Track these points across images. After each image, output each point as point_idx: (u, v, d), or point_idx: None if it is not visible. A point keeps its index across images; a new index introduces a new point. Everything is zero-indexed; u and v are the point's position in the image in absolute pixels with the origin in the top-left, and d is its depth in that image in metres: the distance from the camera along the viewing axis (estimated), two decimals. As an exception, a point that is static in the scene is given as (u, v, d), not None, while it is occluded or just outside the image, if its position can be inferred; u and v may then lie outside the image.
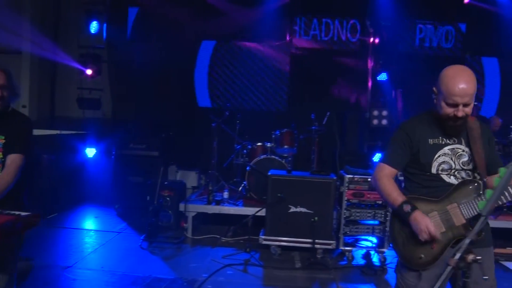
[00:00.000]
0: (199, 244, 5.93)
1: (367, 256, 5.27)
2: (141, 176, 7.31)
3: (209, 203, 6.23)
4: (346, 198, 5.38)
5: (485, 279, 2.18)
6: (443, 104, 2.36)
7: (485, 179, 2.34)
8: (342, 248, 5.44)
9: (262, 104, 8.74)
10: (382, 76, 8.13)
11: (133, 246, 5.68)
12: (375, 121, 7.56)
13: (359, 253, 5.56)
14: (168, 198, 6.35)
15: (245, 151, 6.85)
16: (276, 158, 6.33)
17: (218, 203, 6.24)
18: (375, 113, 7.66)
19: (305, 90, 8.47)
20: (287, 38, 8.69)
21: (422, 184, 2.49)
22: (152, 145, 7.51)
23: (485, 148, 2.42)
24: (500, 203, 2.24)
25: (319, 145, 6.90)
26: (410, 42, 8.77)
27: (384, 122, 7.59)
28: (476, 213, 2.26)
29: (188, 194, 7.05)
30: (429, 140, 2.46)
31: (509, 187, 2.20)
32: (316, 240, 5.26)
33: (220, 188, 6.73)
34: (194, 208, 6.22)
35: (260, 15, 8.40)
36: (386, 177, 2.54)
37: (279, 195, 5.36)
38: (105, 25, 8.45)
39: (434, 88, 2.46)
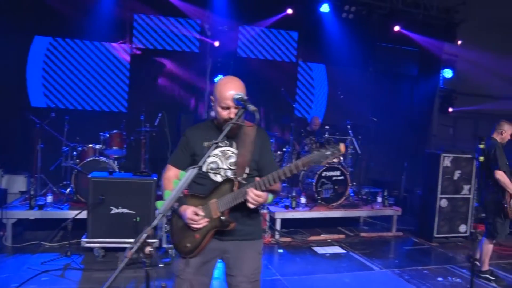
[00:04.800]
0: (19, 252, 5.62)
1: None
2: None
3: (30, 208, 5.94)
4: (168, 197, 5.54)
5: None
6: (219, 109, 2.67)
7: (240, 178, 2.63)
8: (166, 246, 5.62)
9: (103, 105, 8.55)
10: (219, 78, 8.48)
11: None
12: (212, 122, 7.89)
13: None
14: (-16, 206, 5.91)
15: (75, 153, 6.66)
16: (103, 159, 6.28)
17: (40, 207, 5.98)
18: (212, 114, 7.97)
19: (145, 91, 8.47)
20: (128, 38, 8.61)
21: (196, 181, 2.73)
22: (-29, 148, 6.92)
23: (255, 153, 2.73)
24: (231, 204, 2.58)
25: (152, 145, 7.00)
26: (247, 46, 9.31)
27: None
28: (228, 207, 2.58)
29: (14, 199, 6.63)
30: (204, 142, 2.70)
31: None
32: (139, 240, 5.32)
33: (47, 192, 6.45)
34: (14, 215, 5.87)
35: (100, 13, 8.18)
36: (168, 178, 2.80)
37: (101, 196, 5.33)
38: None
39: (211, 97, 2.77)
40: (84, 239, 5.43)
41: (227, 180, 2.66)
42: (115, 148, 6.49)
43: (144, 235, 1.91)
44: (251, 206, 2.50)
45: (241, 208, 2.59)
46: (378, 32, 9.81)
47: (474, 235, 7.15)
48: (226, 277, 2.79)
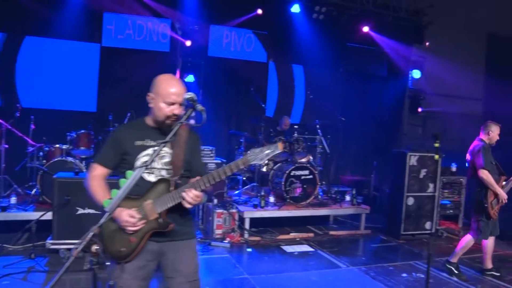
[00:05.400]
0: (-22, 256, 5.49)
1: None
2: None
3: (-8, 210, 5.81)
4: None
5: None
6: (162, 105, 2.60)
7: (176, 177, 2.61)
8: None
9: (71, 104, 8.39)
10: (190, 78, 8.48)
11: None
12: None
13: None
14: None
15: (41, 153, 6.55)
16: (70, 159, 6.19)
17: (4, 209, 5.85)
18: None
19: (114, 90, 8.32)
20: (97, 36, 8.50)
21: None
22: None
23: (187, 154, 2.72)
24: (169, 205, 2.55)
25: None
26: (218, 46, 9.30)
27: (192, 121, 7.94)
28: (166, 207, 2.54)
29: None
30: (136, 141, 2.69)
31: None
32: (105, 240, 5.27)
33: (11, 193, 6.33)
34: (-24, 217, 5.74)
35: (69, 10, 8.02)
36: (95, 177, 2.71)
37: (66, 197, 5.26)
38: None
39: (150, 94, 2.68)
40: (49, 241, 5.34)
41: (161, 180, 2.62)
42: (82, 148, 6.42)
43: (90, 234, 1.91)
44: (188, 206, 2.49)
45: (177, 209, 2.57)
46: (348, 33, 9.92)
47: (440, 232, 7.41)
48: (165, 281, 2.76)
